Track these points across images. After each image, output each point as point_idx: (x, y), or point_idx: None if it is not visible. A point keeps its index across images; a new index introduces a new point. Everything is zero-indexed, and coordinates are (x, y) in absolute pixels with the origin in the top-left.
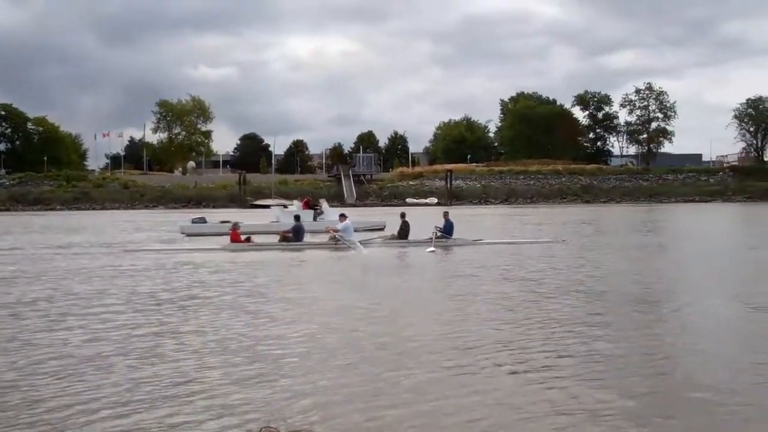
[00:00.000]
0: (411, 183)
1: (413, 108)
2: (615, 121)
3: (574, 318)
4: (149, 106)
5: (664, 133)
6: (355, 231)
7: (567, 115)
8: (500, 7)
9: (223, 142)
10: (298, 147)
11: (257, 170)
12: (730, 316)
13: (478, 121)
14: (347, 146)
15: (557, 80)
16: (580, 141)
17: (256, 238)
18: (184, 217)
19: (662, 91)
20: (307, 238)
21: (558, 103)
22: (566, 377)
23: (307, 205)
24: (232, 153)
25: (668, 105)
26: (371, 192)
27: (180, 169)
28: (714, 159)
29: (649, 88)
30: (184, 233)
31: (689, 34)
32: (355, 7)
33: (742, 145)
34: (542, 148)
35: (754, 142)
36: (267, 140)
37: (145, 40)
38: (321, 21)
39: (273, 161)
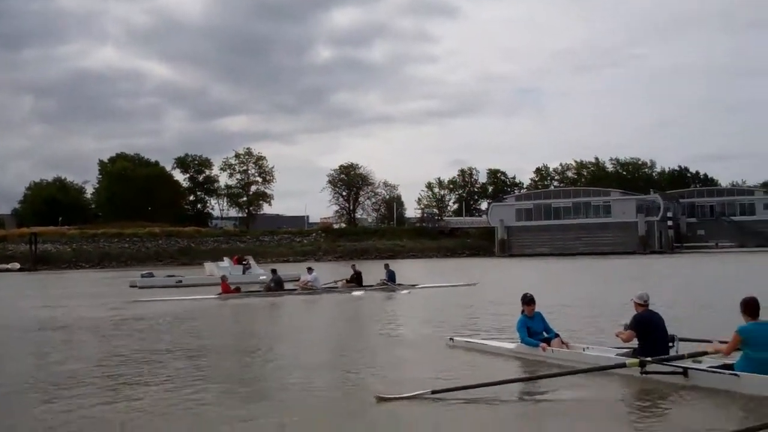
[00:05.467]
0: None
1: (9, 166)
2: (216, 184)
3: None
4: None
5: (264, 196)
6: None
7: (167, 178)
8: (111, 64)
9: None
10: None
11: None
12: None
13: (74, 182)
14: None
15: (169, 141)
16: (181, 203)
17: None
18: None
19: (261, 156)
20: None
21: (161, 165)
22: None
23: (238, 261)
24: None
25: (267, 169)
26: None
27: None
28: (318, 220)
29: (248, 152)
30: (135, 286)
31: (301, 103)
32: None
33: (336, 207)
34: (142, 211)
35: (347, 205)
36: None
37: None
38: None
39: None
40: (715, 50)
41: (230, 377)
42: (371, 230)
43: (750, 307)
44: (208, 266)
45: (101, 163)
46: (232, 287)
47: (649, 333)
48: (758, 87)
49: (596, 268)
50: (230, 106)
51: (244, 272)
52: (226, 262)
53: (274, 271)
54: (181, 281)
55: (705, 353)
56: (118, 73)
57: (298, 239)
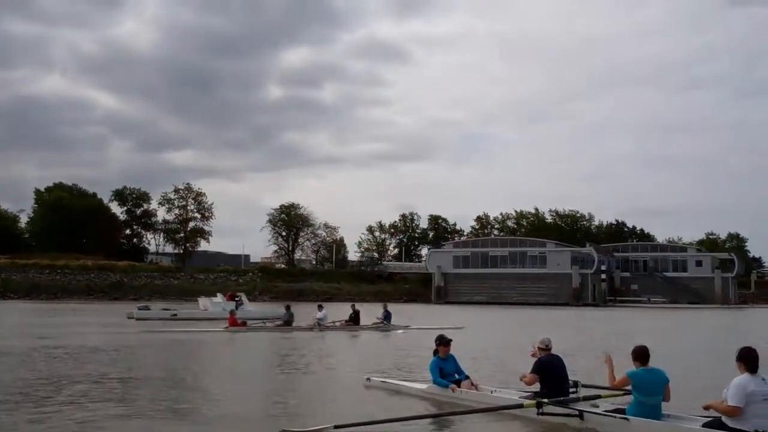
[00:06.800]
0: None
1: None
2: (153, 219)
3: None
4: None
5: (202, 233)
6: None
7: (104, 210)
8: (57, 92)
9: None
10: None
11: None
12: None
13: (7, 210)
14: None
15: (113, 173)
16: (117, 237)
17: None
18: None
19: (201, 192)
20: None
21: (98, 197)
22: None
23: (231, 298)
24: None
25: (206, 206)
26: None
27: None
28: (260, 260)
29: (188, 188)
30: (133, 318)
31: (249, 140)
32: None
33: (275, 247)
34: (76, 243)
35: (286, 245)
36: None
37: None
38: None
39: None
40: (654, 106)
41: (153, 401)
42: (309, 272)
43: (640, 354)
44: (202, 301)
45: (37, 192)
46: (239, 321)
47: (549, 376)
48: (691, 143)
49: (526, 317)
50: (177, 140)
51: (236, 308)
52: (219, 298)
53: (288, 307)
54: (176, 314)
55: (599, 396)
56: (64, 101)
57: (234, 278)
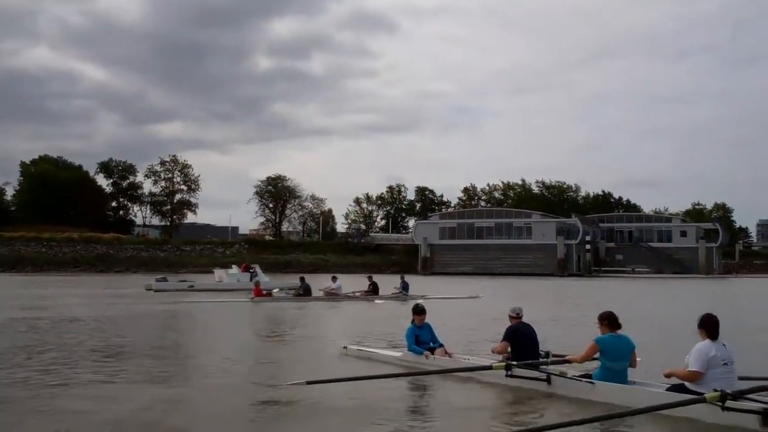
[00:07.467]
0: None
1: None
2: (140, 191)
3: None
4: None
5: (188, 205)
6: None
7: (90, 183)
8: (44, 65)
9: None
10: None
11: None
12: None
13: None
14: None
15: (100, 145)
16: (103, 209)
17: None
18: None
19: (187, 164)
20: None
21: (84, 170)
22: None
23: (246, 269)
24: None
25: (192, 178)
26: None
27: None
28: (248, 231)
29: (174, 160)
30: (151, 289)
31: (238, 112)
32: None
33: (262, 219)
34: (63, 215)
35: (273, 217)
36: None
37: None
38: None
39: None
40: (643, 77)
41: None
42: (296, 243)
43: (610, 319)
44: (218, 272)
45: (23, 164)
46: (264, 292)
47: (519, 343)
48: (683, 114)
49: (511, 287)
50: (165, 112)
51: (251, 279)
52: (234, 270)
53: (302, 279)
54: (193, 286)
55: (566, 361)
56: (51, 73)
57: (221, 250)
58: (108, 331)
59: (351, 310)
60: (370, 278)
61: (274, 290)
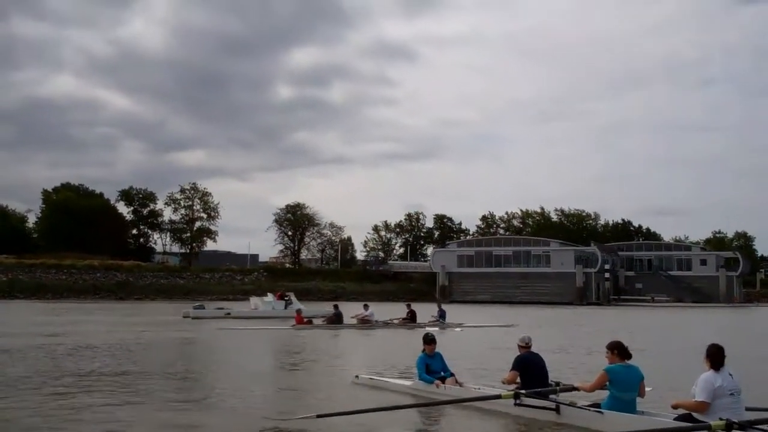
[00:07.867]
0: None
1: None
2: (159, 219)
3: None
4: None
5: (208, 233)
6: None
7: (111, 210)
8: (68, 93)
9: None
10: None
11: None
12: None
13: (15, 210)
14: None
15: (123, 173)
16: (124, 237)
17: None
18: None
19: (207, 192)
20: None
21: (105, 197)
22: None
23: (281, 297)
24: None
25: (212, 206)
26: None
27: None
28: (268, 259)
29: (194, 188)
30: (188, 317)
31: (259, 140)
32: None
33: (281, 247)
34: (84, 242)
35: (292, 245)
36: None
37: None
38: None
39: None
40: (663, 106)
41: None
42: (314, 271)
43: (619, 348)
44: (254, 300)
45: (45, 192)
46: (305, 320)
47: (528, 372)
48: (703, 143)
49: (531, 316)
50: (187, 140)
51: (285, 307)
52: (269, 297)
53: (336, 306)
54: (229, 313)
55: (575, 389)
56: (75, 101)
57: (239, 277)
58: (170, 357)
59: (386, 337)
60: (408, 306)
61: (315, 319)
